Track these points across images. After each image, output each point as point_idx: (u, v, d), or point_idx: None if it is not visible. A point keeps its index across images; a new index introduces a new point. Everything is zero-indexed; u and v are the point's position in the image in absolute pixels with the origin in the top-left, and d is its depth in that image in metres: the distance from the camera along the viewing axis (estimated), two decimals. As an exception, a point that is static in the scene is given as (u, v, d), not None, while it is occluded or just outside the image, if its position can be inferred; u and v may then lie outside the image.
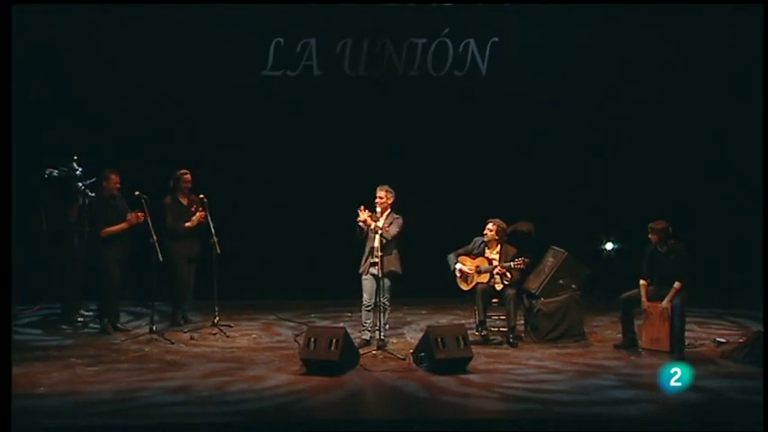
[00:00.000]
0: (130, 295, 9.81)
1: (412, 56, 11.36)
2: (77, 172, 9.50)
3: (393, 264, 8.42)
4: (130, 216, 8.92)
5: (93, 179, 9.42)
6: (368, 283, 8.44)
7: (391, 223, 8.36)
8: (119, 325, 9.20)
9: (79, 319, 9.64)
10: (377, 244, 8.25)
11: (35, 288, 10.12)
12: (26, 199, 9.66)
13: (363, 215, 8.30)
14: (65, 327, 9.44)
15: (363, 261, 8.45)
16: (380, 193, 8.42)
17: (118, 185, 9.07)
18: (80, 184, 9.44)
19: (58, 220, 9.59)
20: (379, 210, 8.36)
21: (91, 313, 9.79)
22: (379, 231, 8.24)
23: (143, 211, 8.83)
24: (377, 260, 8.22)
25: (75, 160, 9.52)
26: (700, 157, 11.28)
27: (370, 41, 11.32)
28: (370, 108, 11.34)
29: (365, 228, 8.34)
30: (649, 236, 8.39)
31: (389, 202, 8.45)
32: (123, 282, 9.15)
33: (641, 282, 8.42)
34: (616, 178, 11.35)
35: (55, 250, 9.67)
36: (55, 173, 9.47)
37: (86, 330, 9.30)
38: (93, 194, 9.42)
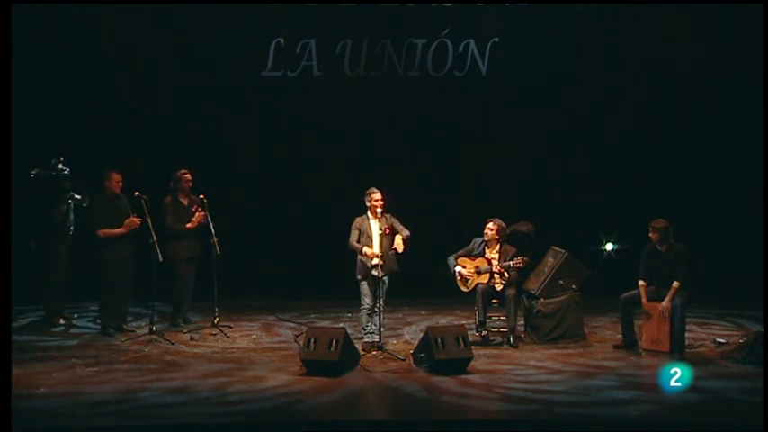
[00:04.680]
0: (131, 296, 9.78)
1: (412, 56, 11.37)
2: (64, 172, 9.43)
3: (394, 263, 8.44)
4: (127, 222, 8.88)
5: (81, 180, 9.37)
6: (367, 287, 8.44)
7: (390, 228, 8.33)
8: (123, 326, 9.15)
9: (62, 322, 9.55)
10: (376, 250, 8.27)
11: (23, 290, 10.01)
12: (24, 200, 9.61)
13: (371, 252, 8.32)
14: (52, 329, 9.36)
15: (361, 266, 8.43)
16: (379, 195, 8.41)
17: (120, 185, 9.01)
18: (67, 184, 9.37)
19: (43, 222, 9.44)
20: (379, 212, 8.35)
21: (76, 315, 9.80)
22: (401, 242, 8.24)
23: (140, 216, 8.81)
24: (380, 262, 8.22)
25: (61, 161, 9.44)
26: (700, 157, 11.28)
27: (370, 41, 11.33)
28: (370, 108, 11.34)
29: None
30: (650, 234, 8.37)
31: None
32: (125, 283, 9.09)
33: (640, 282, 8.41)
34: (616, 178, 11.36)
35: (40, 252, 9.51)
36: (41, 173, 9.37)
37: (86, 331, 9.29)
38: (78, 197, 9.36)
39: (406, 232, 8.33)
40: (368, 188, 8.47)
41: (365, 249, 8.31)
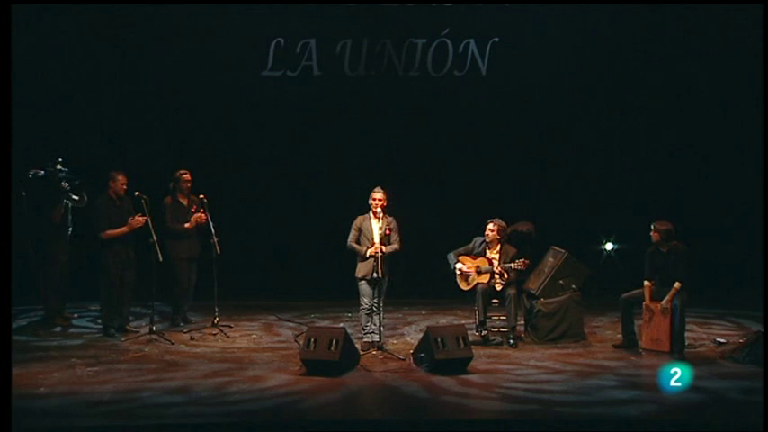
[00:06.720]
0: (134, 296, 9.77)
1: (412, 56, 11.37)
2: (62, 173, 9.40)
3: (388, 266, 8.43)
4: (131, 221, 8.87)
5: (78, 181, 9.35)
6: (366, 287, 8.43)
7: (390, 229, 8.33)
8: (126, 326, 9.12)
9: (62, 323, 9.52)
10: (377, 244, 8.25)
11: (23, 290, 9.96)
12: (22, 199, 9.56)
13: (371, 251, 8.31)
14: (52, 330, 9.33)
15: (361, 266, 8.41)
16: (381, 194, 8.39)
17: (125, 187, 8.96)
18: (65, 185, 9.34)
19: (40, 222, 9.37)
20: (379, 211, 8.35)
21: (76, 315, 9.79)
22: (387, 249, 8.25)
23: (143, 215, 8.81)
24: (378, 262, 8.20)
25: (60, 162, 9.41)
26: (700, 157, 11.29)
27: (370, 41, 11.33)
28: (370, 108, 11.35)
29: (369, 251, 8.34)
30: (651, 233, 8.37)
31: (386, 203, 8.44)
32: (127, 284, 9.05)
33: (645, 283, 8.40)
34: (616, 178, 11.37)
35: (38, 254, 9.45)
36: (40, 173, 9.34)
37: (86, 331, 9.29)
38: (76, 198, 9.33)
39: (396, 246, 8.34)
40: (370, 188, 8.46)
41: (368, 252, 8.30)
